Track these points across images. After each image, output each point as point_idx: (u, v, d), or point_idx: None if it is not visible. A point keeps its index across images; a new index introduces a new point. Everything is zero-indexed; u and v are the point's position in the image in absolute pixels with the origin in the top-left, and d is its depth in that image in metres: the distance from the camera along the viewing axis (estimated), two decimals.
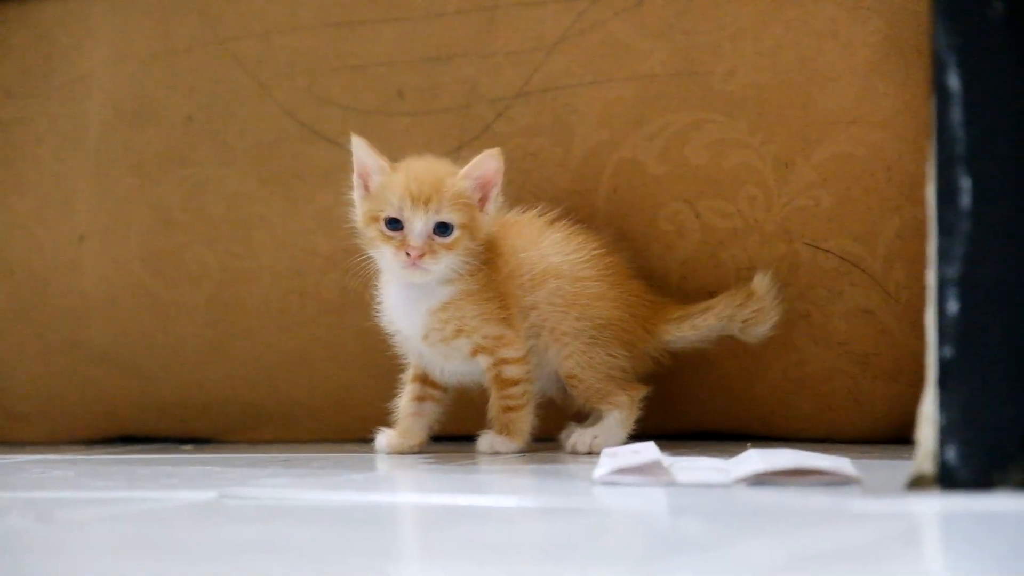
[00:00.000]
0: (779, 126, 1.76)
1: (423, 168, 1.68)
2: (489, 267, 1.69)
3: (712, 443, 1.78)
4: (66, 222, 2.09)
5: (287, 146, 1.98)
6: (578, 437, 1.70)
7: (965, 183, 1.17)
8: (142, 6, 2.06)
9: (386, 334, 1.76)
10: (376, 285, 1.75)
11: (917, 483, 1.18)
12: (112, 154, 2.06)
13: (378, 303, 1.75)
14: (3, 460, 1.84)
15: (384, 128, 1.91)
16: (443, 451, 1.77)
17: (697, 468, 1.41)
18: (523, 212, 1.77)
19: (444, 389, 1.78)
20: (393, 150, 1.73)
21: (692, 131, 1.79)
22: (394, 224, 1.64)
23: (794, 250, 1.76)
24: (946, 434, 1.16)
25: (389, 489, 1.47)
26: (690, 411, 1.84)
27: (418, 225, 1.64)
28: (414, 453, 1.75)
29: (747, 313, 1.72)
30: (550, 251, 1.72)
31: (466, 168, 1.67)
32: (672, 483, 1.33)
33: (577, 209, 1.83)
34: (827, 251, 1.75)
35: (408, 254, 1.63)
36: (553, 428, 1.77)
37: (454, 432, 1.82)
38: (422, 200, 1.63)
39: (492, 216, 1.69)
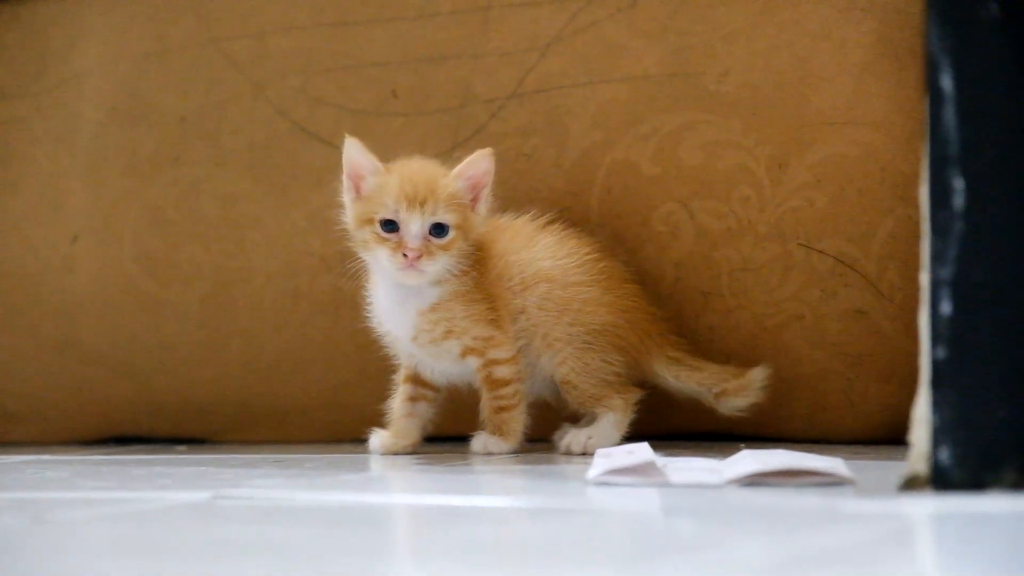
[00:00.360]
0: (773, 127, 1.76)
1: (417, 169, 1.67)
2: (478, 269, 1.69)
3: (706, 444, 1.79)
4: (59, 222, 2.08)
5: (281, 146, 1.98)
6: (572, 437, 1.70)
7: (958, 184, 1.17)
8: (135, 6, 2.06)
9: (378, 335, 1.76)
10: (367, 286, 1.75)
11: (910, 484, 1.18)
12: (105, 154, 2.06)
13: (368, 304, 1.75)
14: None
15: (378, 129, 1.91)
16: (436, 452, 1.77)
17: (691, 469, 1.41)
18: (516, 216, 1.77)
19: (437, 389, 1.77)
20: (387, 151, 1.72)
21: (686, 132, 1.79)
22: (389, 226, 1.64)
23: (788, 251, 1.76)
24: (939, 435, 1.16)
25: (382, 490, 1.47)
26: (684, 412, 1.84)
27: (414, 227, 1.63)
28: (407, 454, 1.75)
29: (731, 389, 1.73)
30: (541, 255, 1.72)
31: (458, 168, 1.67)
32: (666, 484, 1.33)
33: (571, 210, 1.83)
34: (821, 252, 1.75)
35: (405, 256, 1.62)
36: (547, 429, 1.77)
37: (447, 433, 1.82)
38: (418, 201, 1.63)
39: (483, 216, 1.69)
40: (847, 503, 1.18)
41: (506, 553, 1.01)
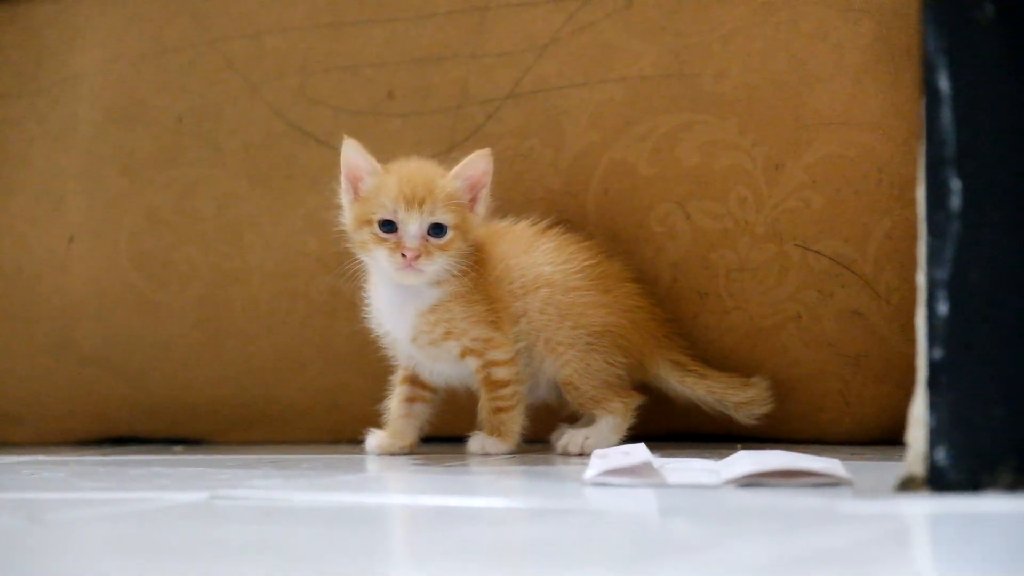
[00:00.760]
0: (770, 127, 1.76)
1: (415, 169, 1.67)
2: (478, 270, 1.69)
3: (703, 444, 1.79)
4: (56, 222, 2.08)
5: (277, 147, 1.98)
6: (570, 438, 1.70)
7: (955, 185, 1.17)
8: (133, 7, 2.06)
9: (376, 335, 1.76)
10: (365, 287, 1.75)
11: (907, 484, 1.18)
12: (102, 154, 2.06)
13: (367, 305, 1.75)
14: None
15: (375, 129, 1.91)
16: (433, 452, 1.77)
17: (687, 469, 1.41)
18: (515, 221, 1.77)
19: (434, 390, 1.78)
20: (384, 151, 1.73)
21: (683, 132, 1.80)
22: (388, 226, 1.64)
23: (785, 251, 1.76)
24: (936, 436, 1.16)
25: (380, 490, 1.47)
26: (681, 412, 1.84)
27: (413, 227, 1.63)
28: (405, 454, 1.75)
29: (753, 400, 1.74)
30: (542, 260, 1.72)
31: (457, 169, 1.67)
32: (662, 484, 1.33)
33: (567, 210, 1.83)
34: (818, 252, 1.75)
35: (404, 256, 1.62)
36: (544, 430, 1.77)
37: (444, 433, 1.82)
38: (416, 201, 1.63)
39: (482, 216, 1.69)
40: (844, 504, 1.18)
41: (503, 554, 1.01)
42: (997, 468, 1.15)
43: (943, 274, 1.17)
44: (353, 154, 1.67)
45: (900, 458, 1.22)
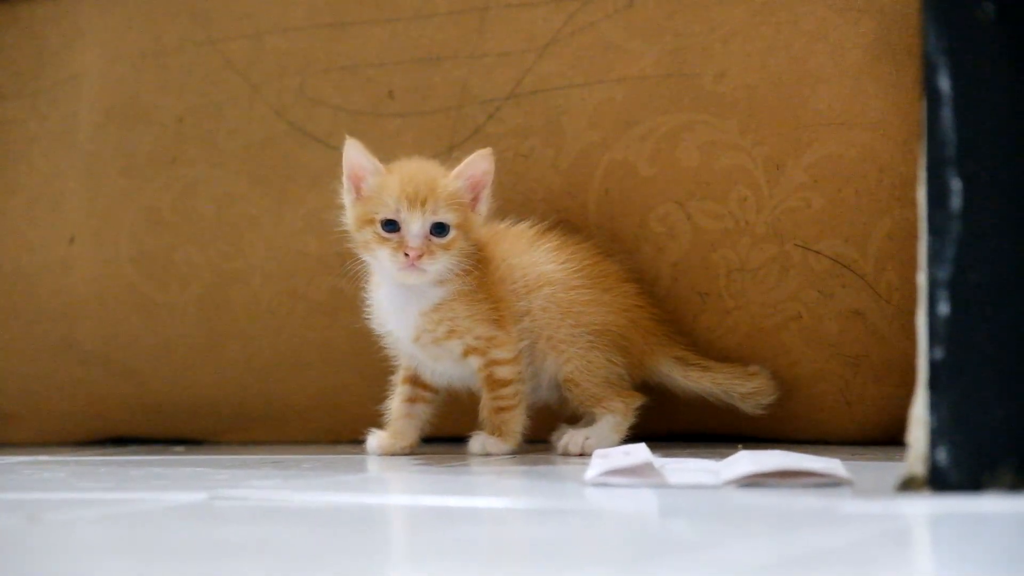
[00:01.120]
0: (770, 128, 1.76)
1: (417, 169, 1.67)
2: (481, 269, 1.69)
3: (703, 445, 1.79)
4: (56, 222, 2.08)
5: (278, 147, 1.98)
6: (570, 438, 1.70)
7: (956, 185, 1.17)
8: (133, 7, 2.05)
9: (377, 335, 1.76)
10: (366, 287, 1.75)
11: (908, 485, 1.18)
12: (102, 155, 2.06)
13: (368, 304, 1.75)
14: None
15: (375, 129, 1.91)
16: (434, 452, 1.77)
17: (688, 470, 1.41)
18: (515, 223, 1.78)
19: (435, 391, 1.77)
20: (384, 151, 1.72)
21: (683, 132, 1.79)
22: (390, 226, 1.64)
23: (785, 252, 1.76)
24: (937, 436, 1.16)
25: (380, 490, 1.47)
26: (681, 413, 1.84)
27: (415, 226, 1.63)
28: (405, 454, 1.75)
29: (759, 390, 1.74)
30: (543, 259, 1.73)
31: (458, 168, 1.67)
32: (663, 484, 1.33)
33: (568, 210, 1.83)
34: (818, 252, 1.75)
35: (407, 255, 1.62)
36: (544, 430, 1.76)
37: (445, 433, 1.82)
38: (419, 201, 1.63)
39: (484, 216, 1.70)
40: (845, 504, 1.18)
41: (504, 554, 1.01)
42: (998, 468, 1.15)
43: (944, 274, 1.17)
44: (355, 154, 1.67)
45: (901, 458, 1.21)
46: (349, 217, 1.69)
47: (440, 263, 1.64)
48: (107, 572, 0.95)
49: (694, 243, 1.80)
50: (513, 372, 1.70)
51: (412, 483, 1.52)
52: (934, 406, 1.16)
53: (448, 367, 1.73)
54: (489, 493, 1.40)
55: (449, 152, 1.86)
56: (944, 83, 1.18)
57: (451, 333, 1.69)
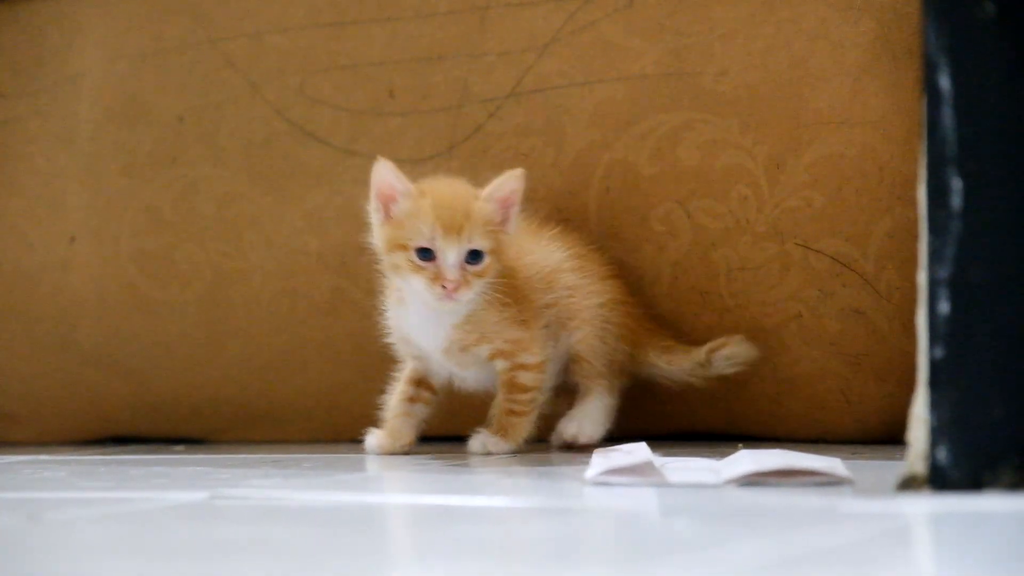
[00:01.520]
0: (770, 126, 1.76)
1: (450, 193, 1.64)
2: (504, 275, 1.67)
3: (704, 444, 1.79)
4: (57, 222, 2.08)
5: (278, 146, 1.98)
6: (564, 424, 1.74)
7: (956, 184, 1.17)
8: (133, 6, 2.05)
9: (377, 335, 1.75)
10: (383, 297, 1.73)
11: (908, 484, 1.18)
12: (103, 154, 2.06)
13: (388, 316, 1.72)
14: None
15: (375, 128, 1.91)
16: (434, 451, 1.77)
17: (689, 469, 1.41)
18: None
19: (436, 392, 1.77)
20: (384, 151, 1.72)
21: (683, 131, 1.79)
22: (425, 254, 1.60)
23: (785, 251, 1.76)
24: (937, 435, 1.16)
25: (380, 489, 1.47)
26: (682, 412, 1.84)
27: (452, 256, 1.60)
28: (404, 453, 1.75)
29: (718, 344, 1.76)
30: (551, 247, 1.75)
31: (489, 189, 1.64)
32: (664, 484, 1.33)
33: (568, 209, 1.83)
34: (818, 251, 1.75)
35: (443, 287, 1.60)
36: (544, 430, 1.76)
37: (445, 433, 1.81)
38: (454, 229, 1.59)
39: (512, 236, 1.68)
40: (845, 503, 1.18)
41: (504, 553, 1.01)
42: (998, 467, 1.15)
43: (944, 273, 1.17)
44: (386, 174, 1.63)
45: (901, 457, 1.21)
46: (378, 238, 1.65)
47: (475, 290, 1.63)
48: (107, 572, 0.95)
49: (694, 242, 1.80)
50: (536, 380, 1.69)
51: (412, 482, 1.52)
52: (934, 405, 1.16)
53: (474, 372, 1.72)
54: (489, 492, 1.40)
55: (449, 151, 1.86)
56: (944, 82, 1.17)
57: (481, 339, 1.68)
